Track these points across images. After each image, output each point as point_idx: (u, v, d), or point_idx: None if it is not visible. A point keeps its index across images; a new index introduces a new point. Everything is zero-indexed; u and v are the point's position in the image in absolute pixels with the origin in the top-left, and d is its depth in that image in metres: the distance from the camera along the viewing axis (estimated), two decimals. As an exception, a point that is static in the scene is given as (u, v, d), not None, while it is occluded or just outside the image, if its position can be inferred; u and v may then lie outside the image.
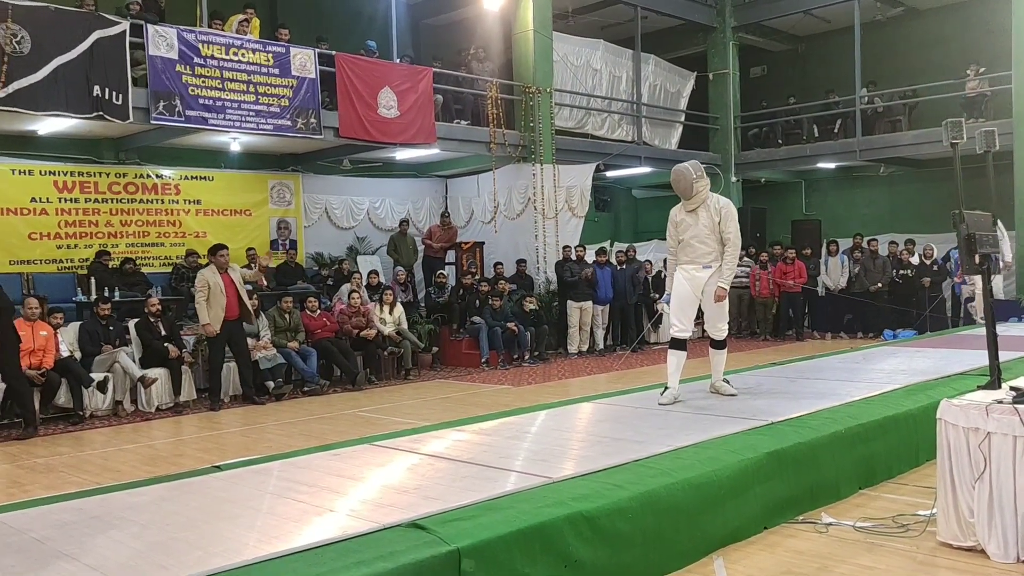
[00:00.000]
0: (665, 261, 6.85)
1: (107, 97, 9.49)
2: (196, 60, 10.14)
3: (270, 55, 10.85)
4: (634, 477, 4.05)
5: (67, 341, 8.93)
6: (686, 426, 5.29)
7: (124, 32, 9.68)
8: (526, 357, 12.56)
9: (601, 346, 13.67)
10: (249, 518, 3.65)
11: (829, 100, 17.27)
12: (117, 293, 10.23)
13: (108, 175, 11.52)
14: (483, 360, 12.06)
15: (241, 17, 11.25)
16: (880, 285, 14.09)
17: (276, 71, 10.86)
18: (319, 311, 10.88)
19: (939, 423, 4.10)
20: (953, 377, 6.72)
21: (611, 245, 15.60)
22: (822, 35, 18.51)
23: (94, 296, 10.00)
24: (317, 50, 11.44)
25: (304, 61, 11.16)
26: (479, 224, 14.81)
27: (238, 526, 3.52)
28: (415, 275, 13.67)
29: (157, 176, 11.95)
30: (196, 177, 12.31)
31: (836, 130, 16.90)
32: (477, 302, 12.52)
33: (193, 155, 12.23)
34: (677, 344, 6.28)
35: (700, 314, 6.46)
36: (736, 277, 6.61)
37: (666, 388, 6.24)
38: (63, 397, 8.55)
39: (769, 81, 19.69)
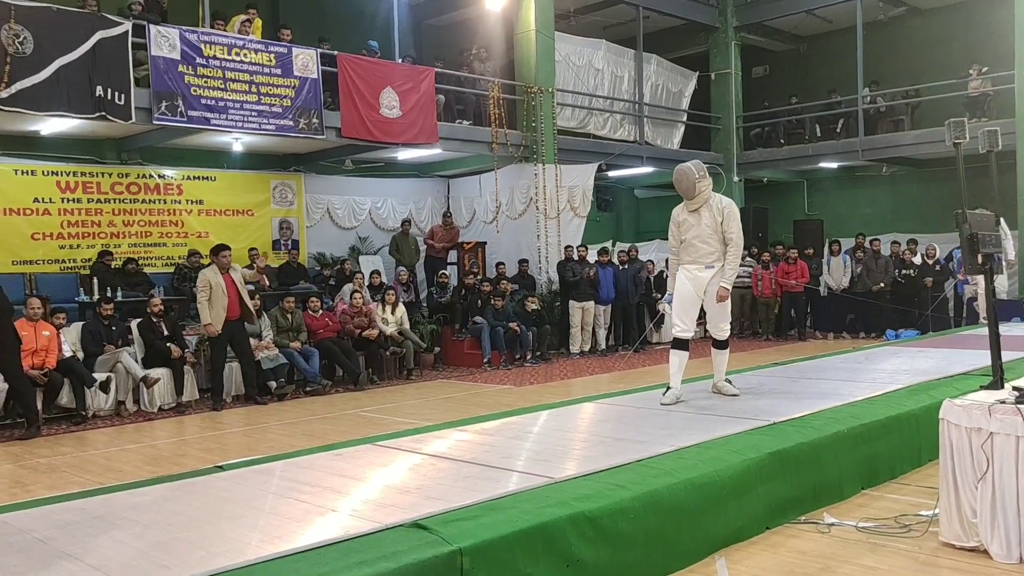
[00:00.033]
0: (667, 261, 6.85)
1: (109, 97, 9.50)
2: (198, 60, 10.15)
3: (272, 55, 10.85)
4: (636, 477, 4.05)
5: (70, 341, 8.94)
6: (688, 426, 5.29)
7: (126, 32, 9.69)
8: (528, 357, 12.56)
9: (603, 346, 13.67)
10: (251, 518, 3.65)
11: (831, 100, 17.25)
12: (119, 293, 10.24)
13: (110, 175, 11.53)
14: (485, 360, 12.06)
15: (243, 17, 11.26)
16: (882, 285, 14.07)
17: (278, 71, 10.87)
18: (321, 311, 10.88)
19: (942, 423, 4.09)
20: (956, 377, 6.71)
21: (613, 245, 15.59)
22: (824, 35, 18.50)
23: (96, 296, 10.02)
24: (319, 50, 11.45)
25: (306, 61, 11.17)
26: (481, 224, 14.81)
27: (240, 526, 3.53)
28: (417, 275, 13.67)
29: (159, 176, 11.96)
30: (198, 177, 12.32)
31: (838, 130, 16.87)
32: (479, 302, 12.52)
33: (195, 155, 12.24)
34: (679, 344, 6.27)
35: (702, 314, 6.45)
36: (738, 277, 6.60)
37: (668, 388, 6.23)
38: (65, 397, 8.56)
39: (771, 81, 19.67)
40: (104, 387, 8.85)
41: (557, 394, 9.11)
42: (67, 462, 6.86)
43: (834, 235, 16.30)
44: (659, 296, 14.03)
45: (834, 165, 17.39)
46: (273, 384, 9.85)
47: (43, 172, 10.96)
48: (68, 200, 11.15)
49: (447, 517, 3.44)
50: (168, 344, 9.39)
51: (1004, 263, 9.97)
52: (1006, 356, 4.75)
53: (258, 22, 11.55)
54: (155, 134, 10.92)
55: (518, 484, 4.00)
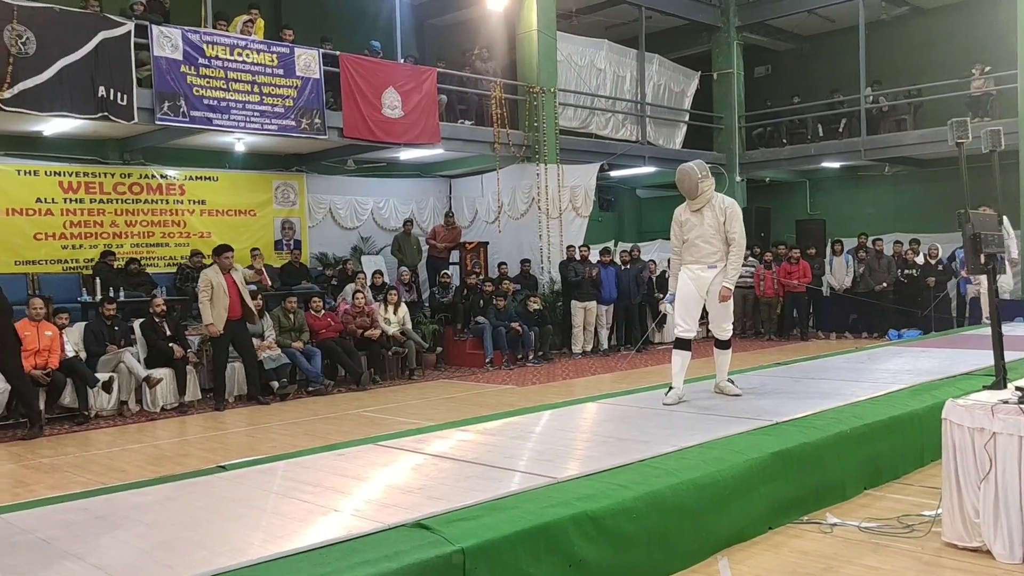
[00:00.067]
0: (669, 261, 6.85)
1: (112, 98, 9.51)
2: (201, 61, 10.16)
3: (274, 55, 10.86)
4: (639, 477, 4.05)
5: (72, 341, 8.96)
6: (691, 426, 5.29)
7: (129, 33, 9.70)
8: (530, 357, 12.56)
9: (605, 346, 13.66)
10: (254, 518, 3.65)
11: (833, 99, 17.24)
12: (122, 293, 10.25)
13: (113, 175, 11.54)
14: (487, 360, 12.06)
15: (245, 18, 11.27)
16: (885, 285, 14.06)
17: (280, 71, 10.88)
18: (323, 311, 10.89)
19: (944, 423, 4.09)
20: (958, 377, 6.71)
21: (615, 245, 15.59)
22: (826, 34, 18.48)
23: (99, 296, 10.03)
24: (321, 50, 11.46)
25: (308, 61, 11.17)
26: (483, 224, 14.81)
27: (243, 526, 3.53)
28: (419, 275, 13.68)
29: (162, 176, 11.97)
30: (200, 177, 12.33)
31: (840, 129, 16.86)
32: (481, 302, 12.52)
33: (197, 155, 12.25)
34: (681, 344, 6.27)
35: (704, 314, 6.45)
36: (740, 277, 6.59)
37: (671, 388, 6.23)
38: (68, 397, 8.57)
39: (773, 80, 19.66)
40: (107, 387, 8.86)
41: (559, 394, 9.11)
42: (70, 462, 6.87)
43: (836, 235, 16.29)
44: (661, 296, 14.02)
45: (836, 165, 17.38)
46: (275, 384, 9.86)
47: (46, 172, 10.97)
48: (71, 200, 11.16)
49: (449, 517, 3.45)
50: (170, 344, 9.40)
51: (1008, 262, 9.95)
52: (1009, 356, 4.74)
53: (260, 22, 11.56)
54: (157, 134, 10.94)
55: (520, 484, 4.00)
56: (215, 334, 9.29)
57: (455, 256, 14.18)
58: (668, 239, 6.62)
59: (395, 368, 11.46)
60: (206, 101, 10.20)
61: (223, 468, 4.69)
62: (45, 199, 10.95)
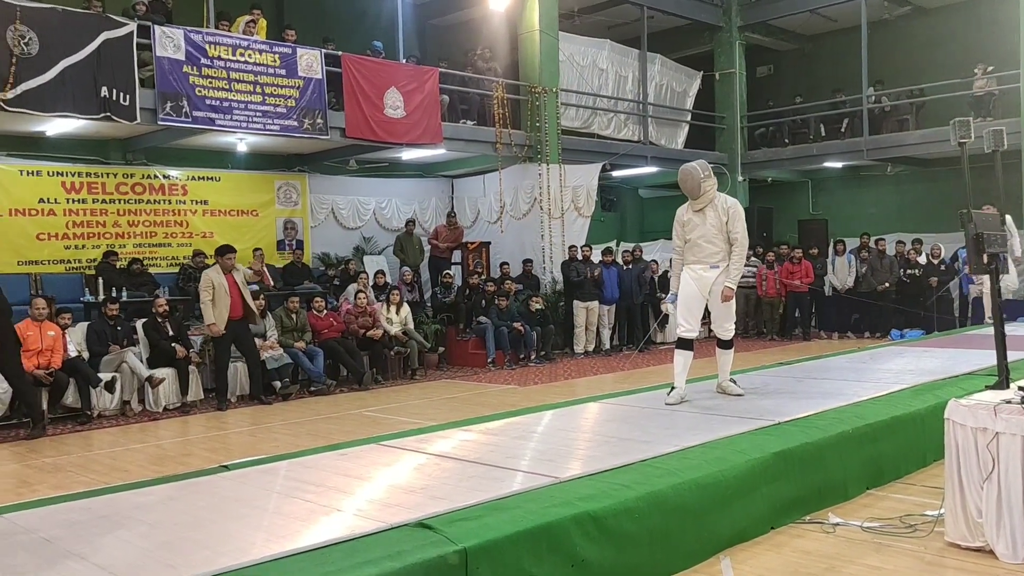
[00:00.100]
0: (671, 261, 6.85)
1: (114, 98, 9.53)
2: (203, 61, 10.17)
3: (276, 56, 10.87)
4: (641, 477, 4.05)
5: (75, 341, 8.97)
6: (693, 426, 5.29)
7: (131, 33, 9.71)
8: (532, 357, 12.56)
9: (607, 346, 13.66)
10: (257, 517, 3.65)
11: (836, 99, 17.22)
12: (125, 293, 10.26)
13: (115, 176, 11.56)
14: (489, 360, 12.06)
15: (248, 18, 11.28)
16: (887, 285, 14.05)
17: (283, 72, 10.88)
18: (326, 311, 10.90)
19: (947, 423, 4.08)
20: (961, 377, 6.70)
21: (617, 245, 15.58)
22: (829, 34, 18.46)
23: (102, 296, 10.04)
24: (323, 51, 11.46)
25: (310, 62, 11.18)
26: (485, 224, 14.81)
27: (246, 525, 3.53)
28: (421, 275, 13.68)
29: (164, 177, 11.98)
30: (203, 178, 12.34)
31: (843, 129, 16.85)
32: (483, 302, 12.52)
33: (200, 156, 12.26)
34: (684, 344, 6.27)
35: (707, 314, 6.45)
36: (743, 277, 6.59)
37: (673, 388, 6.23)
38: (71, 397, 8.59)
39: (775, 80, 19.64)
40: (109, 387, 8.87)
41: (561, 394, 9.11)
42: (72, 462, 6.88)
43: (839, 235, 16.27)
44: (663, 296, 14.00)
45: (839, 165, 17.36)
46: (278, 384, 9.87)
47: (48, 173, 10.99)
48: (73, 200, 11.18)
49: (452, 517, 3.45)
50: (173, 344, 9.41)
51: (1011, 261, 9.92)
52: (1012, 356, 4.74)
53: (262, 23, 11.57)
54: (160, 134, 10.95)
55: (522, 484, 4.00)
56: (217, 334, 9.30)
57: (457, 256, 14.17)
58: (670, 239, 6.61)
59: (397, 368, 11.46)
60: (208, 101, 10.21)
61: (226, 468, 4.70)
62: (48, 199, 10.97)
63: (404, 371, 11.48)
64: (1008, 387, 4.31)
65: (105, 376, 8.86)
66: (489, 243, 14.32)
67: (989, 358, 5.49)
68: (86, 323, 9.50)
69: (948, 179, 15.78)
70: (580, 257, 13.35)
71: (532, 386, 10.36)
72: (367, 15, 14.01)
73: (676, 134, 17.53)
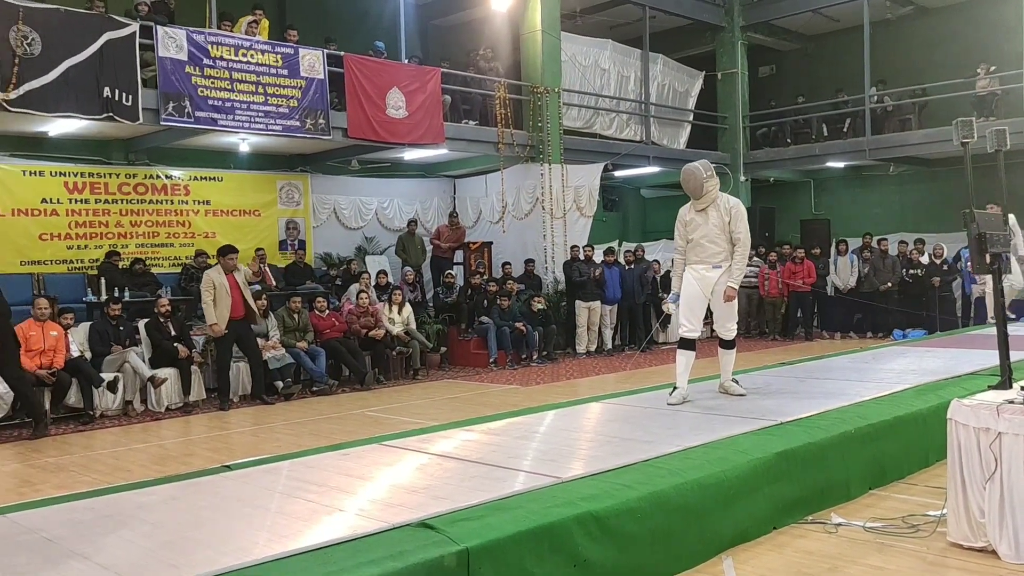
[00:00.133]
0: (673, 260, 6.85)
1: (117, 98, 9.53)
2: (205, 61, 10.17)
3: (279, 56, 10.87)
4: (643, 477, 4.05)
5: (77, 341, 8.98)
6: (695, 426, 5.29)
7: (134, 33, 9.72)
8: (534, 357, 12.56)
9: (609, 346, 13.65)
10: (259, 517, 3.66)
11: (838, 99, 17.21)
12: (127, 293, 10.27)
13: (118, 176, 11.57)
14: (491, 360, 12.06)
15: (250, 18, 11.29)
16: (890, 285, 14.04)
17: (285, 72, 10.89)
18: (328, 311, 10.91)
19: (949, 423, 4.08)
20: (964, 377, 6.69)
21: (619, 245, 15.59)
22: (831, 34, 18.44)
23: (104, 296, 10.06)
24: (325, 51, 11.46)
25: (313, 62, 11.19)
26: (487, 224, 14.81)
27: (248, 525, 3.54)
28: (423, 275, 13.68)
29: (166, 177, 11.99)
30: (205, 178, 12.35)
31: (845, 129, 16.84)
32: (485, 302, 12.52)
33: (202, 156, 12.27)
34: (686, 344, 6.27)
35: (709, 314, 6.44)
36: (745, 277, 6.58)
37: (675, 388, 6.23)
38: (73, 397, 8.59)
39: (778, 80, 19.63)
40: (112, 387, 8.88)
41: (563, 394, 9.11)
42: (75, 461, 6.89)
43: (841, 235, 16.25)
44: (665, 296, 13.98)
45: (841, 165, 17.35)
46: (280, 384, 9.87)
47: (51, 173, 11.01)
48: (76, 201, 11.19)
49: (454, 517, 3.45)
50: (175, 344, 9.42)
51: (1014, 260, 9.89)
52: (1015, 356, 4.74)
53: (265, 23, 11.58)
54: (162, 135, 10.96)
55: (525, 484, 4.00)
56: (218, 334, 9.31)
57: (459, 256, 14.17)
58: (672, 239, 6.61)
59: (399, 368, 11.46)
60: (211, 102, 10.22)
61: (228, 468, 4.70)
62: (50, 199, 10.98)
63: (406, 371, 11.49)
64: (1011, 387, 4.30)
65: (107, 376, 8.87)
66: (491, 243, 14.32)
67: (992, 358, 5.48)
68: (88, 323, 9.51)
69: (950, 179, 15.77)
70: (582, 257, 13.35)
71: (534, 386, 10.36)
72: (369, 15, 14.02)
73: (678, 134, 17.53)
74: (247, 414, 9.10)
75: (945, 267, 13.91)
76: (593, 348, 13.39)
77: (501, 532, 3.29)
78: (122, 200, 11.57)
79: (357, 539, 3.24)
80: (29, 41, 8.91)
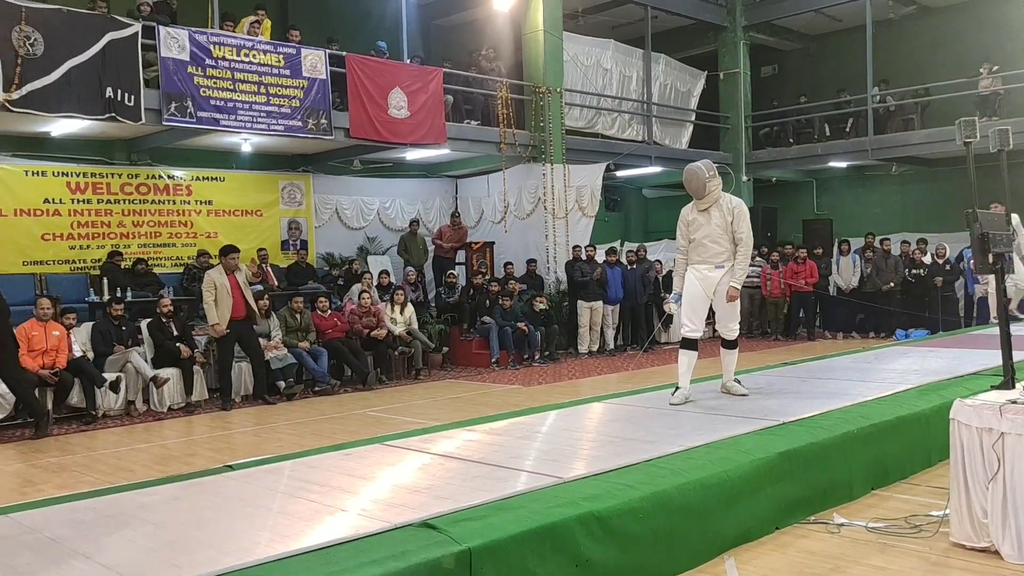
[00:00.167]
0: (675, 260, 6.85)
1: (119, 98, 9.54)
2: (208, 61, 10.18)
3: (281, 56, 10.88)
4: (645, 477, 4.04)
5: (80, 341, 8.99)
6: (697, 426, 5.28)
7: (136, 34, 9.73)
8: (536, 357, 12.55)
9: (611, 346, 13.65)
10: (261, 517, 3.66)
11: (840, 99, 17.19)
12: (129, 293, 10.27)
13: (120, 176, 11.58)
14: (493, 360, 12.06)
15: (252, 18, 11.29)
16: (892, 285, 14.03)
17: (287, 72, 10.90)
18: (330, 311, 10.91)
19: (952, 423, 4.08)
20: (966, 377, 6.68)
21: (621, 245, 15.58)
22: (833, 34, 18.43)
23: (106, 296, 10.06)
24: (328, 51, 11.47)
25: (315, 62, 11.19)
26: (489, 224, 14.81)
27: (250, 525, 3.54)
28: (425, 275, 13.68)
29: (169, 177, 12.00)
30: (207, 178, 12.36)
31: (848, 129, 16.82)
32: (487, 302, 12.52)
33: (204, 156, 12.28)
34: (688, 344, 6.26)
35: (711, 314, 6.44)
36: (747, 277, 6.57)
37: (677, 388, 6.22)
38: (76, 397, 8.60)
39: (780, 80, 19.62)
40: (114, 387, 8.89)
41: (565, 394, 9.10)
42: (77, 461, 6.89)
43: (843, 235, 16.23)
44: (666, 296, 13.97)
45: (843, 164, 17.34)
46: (282, 384, 9.87)
47: (53, 173, 11.02)
48: (78, 201, 11.20)
49: (456, 517, 3.45)
50: (177, 344, 9.42)
51: (1017, 260, 9.87)
52: (1017, 356, 4.72)
53: (267, 23, 11.58)
54: (164, 135, 10.97)
55: (527, 484, 4.00)
56: (220, 334, 9.31)
57: (461, 256, 14.18)
58: (674, 239, 6.60)
59: (401, 368, 11.46)
60: (213, 102, 10.22)
61: (230, 468, 4.70)
62: (53, 199, 10.99)
63: (408, 371, 11.49)
64: (1013, 387, 4.29)
65: (110, 376, 8.88)
66: (493, 243, 14.32)
67: (994, 358, 5.48)
68: (91, 323, 9.51)
69: (953, 179, 15.75)
70: (584, 257, 13.34)
71: (536, 386, 10.35)
72: (371, 15, 14.03)
73: (680, 134, 17.52)
74: (249, 414, 9.10)
75: (948, 267, 13.89)
76: (595, 348, 13.38)
77: (503, 532, 3.29)
78: (124, 200, 11.58)
79: (359, 539, 3.24)
80: (32, 41, 8.92)
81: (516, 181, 14.15)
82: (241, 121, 10.49)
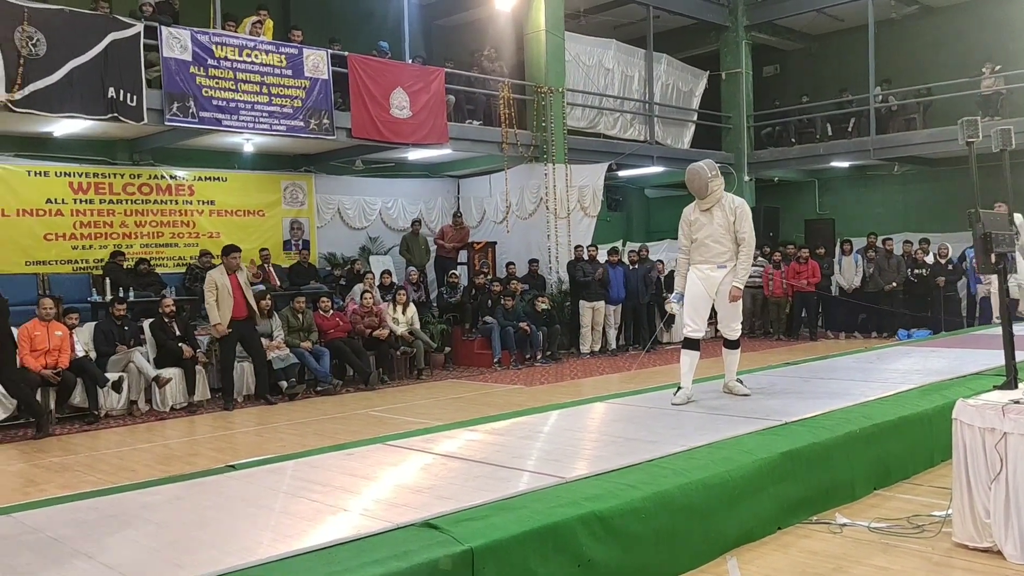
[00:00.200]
0: (677, 260, 6.84)
1: (121, 99, 9.55)
2: (210, 62, 10.19)
3: (283, 56, 10.88)
4: (647, 477, 4.04)
5: (82, 341, 8.99)
6: (700, 426, 5.28)
7: (138, 34, 9.74)
8: (538, 357, 12.55)
9: (613, 346, 13.65)
10: (263, 517, 3.66)
11: (842, 99, 17.18)
12: (132, 293, 10.29)
13: (122, 176, 11.59)
14: (495, 360, 12.06)
15: (254, 19, 11.30)
16: (894, 285, 14.02)
17: (289, 72, 10.90)
18: (332, 311, 10.91)
19: (955, 423, 4.07)
20: (968, 377, 6.68)
21: (623, 245, 15.57)
22: (835, 33, 18.42)
23: (109, 296, 10.08)
24: (330, 51, 11.47)
25: (317, 62, 11.20)
26: (491, 224, 14.81)
27: (252, 525, 3.54)
28: (427, 275, 13.69)
29: (171, 177, 12.01)
30: (209, 178, 12.37)
31: (850, 129, 16.81)
32: (489, 302, 12.53)
33: (206, 156, 12.29)
34: (690, 344, 6.26)
35: (713, 314, 6.44)
36: (749, 276, 6.57)
37: (679, 388, 6.22)
38: (78, 397, 8.61)
39: (782, 80, 19.61)
40: (116, 387, 8.90)
41: (567, 394, 9.10)
42: (79, 461, 6.90)
43: (845, 234, 16.22)
44: (668, 296, 13.96)
45: (845, 164, 17.32)
46: (284, 384, 9.88)
47: (56, 173, 11.03)
48: (80, 201, 11.21)
49: (458, 516, 3.45)
50: (180, 344, 9.43)
51: (1020, 260, 9.85)
52: (1020, 356, 4.71)
53: (269, 23, 11.59)
54: (167, 135, 10.97)
55: (529, 484, 4.00)
56: (222, 334, 9.32)
57: (463, 256, 14.18)
58: (676, 239, 6.60)
59: (403, 368, 11.47)
60: (215, 102, 10.23)
61: (232, 467, 4.71)
62: (55, 200, 11.00)
63: (410, 371, 11.49)
64: (1016, 387, 4.29)
65: (112, 376, 8.89)
66: (495, 243, 14.32)
67: (997, 358, 5.47)
68: (93, 323, 9.52)
69: (955, 179, 15.73)
70: (586, 257, 13.34)
71: (538, 386, 10.35)
72: (373, 16, 14.03)
73: (682, 134, 17.52)
74: (251, 414, 9.11)
75: (950, 267, 13.88)
76: (597, 348, 13.38)
77: (505, 532, 3.29)
78: (127, 200, 11.59)
79: (361, 539, 3.24)
80: (34, 42, 8.93)
81: (518, 181, 14.15)
82: (243, 121, 10.49)
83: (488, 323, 12.29)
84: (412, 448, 4.99)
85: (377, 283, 12.00)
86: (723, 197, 6.13)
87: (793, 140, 17.67)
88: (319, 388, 10.19)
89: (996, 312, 11.07)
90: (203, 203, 12.27)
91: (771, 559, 4.03)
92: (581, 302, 13.17)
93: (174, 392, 9.27)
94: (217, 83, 10.25)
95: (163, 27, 9.92)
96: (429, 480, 4.21)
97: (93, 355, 9.02)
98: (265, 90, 10.66)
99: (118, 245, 11.31)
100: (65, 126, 10.16)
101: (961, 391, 5.42)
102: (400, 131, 12.04)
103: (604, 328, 13.50)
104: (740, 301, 6.22)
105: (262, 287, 10.50)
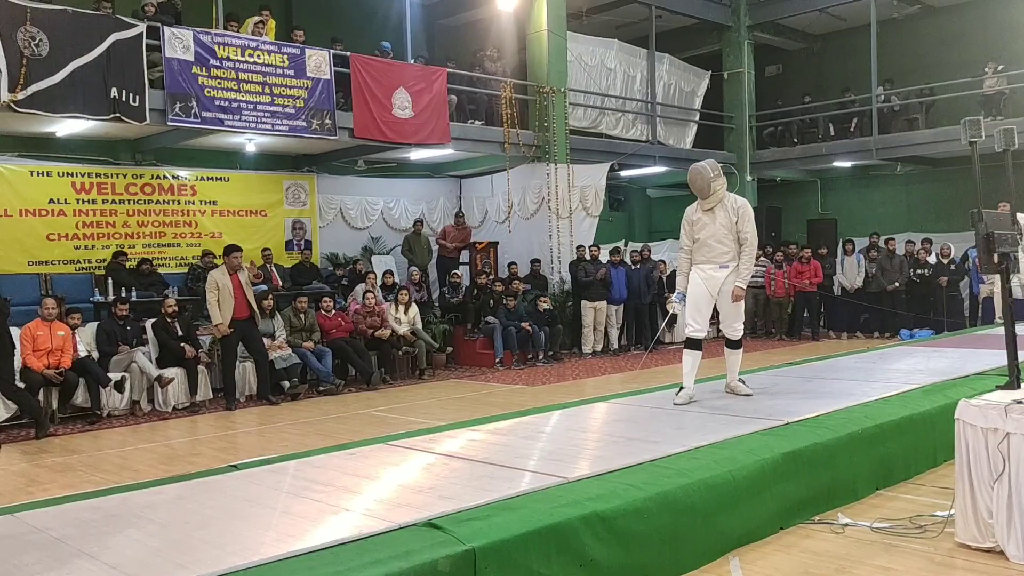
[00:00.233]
0: (679, 260, 6.84)
1: (124, 99, 9.56)
2: (212, 62, 10.20)
3: (285, 56, 10.89)
4: (649, 477, 4.04)
5: (85, 341, 9.01)
6: (702, 426, 5.28)
7: (141, 34, 9.75)
8: (540, 357, 12.55)
9: (615, 346, 13.65)
10: (265, 517, 3.66)
11: (845, 99, 17.16)
12: (134, 293, 10.31)
13: (125, 176, 11.60)
14: (497, 360, 12.07)
15: (257, 19, 11.30)
16: (897, 284, 14.01)
17: (291, 72, 10.91)
18: (334, 311, 10.92)
19: (957, 423, 4.07)
20: (971, 377, 6.67)
21: (625, 245, 15.58)
22: (838, 33, 18.41)
23: (111, 296, 10.09)
24: (332, 51, 11.48)
25: (319, 62, 11.20)
26: (493, 224, 14.82)
27: (254, 525, 3.54)
28: (429, 275, 13.70)
29: (173, 177, 12.02)
30: (212, 178, 12.38)
31: (852, 129, 16.78)
32: (491, 302, 12.53)
33: (209, 156, 12.30)
34: (692, 344, 6.26)
35: (715, 313, 6.43)
36: (751, 276, 6.57)
37: (681, 388, 6.22)
38: (81, 396, 8.62)
39: (784, 80, 19.59)
40: (119, 387, 8.91)
41: (569, 394, 9.10)
42: (82, 461, 6.91)
43: (848, 234, 16.22)
44: (670, 295, 13.96)
45: (848, 164, 17.30)
46: (286, 384, 9.89)
47: (58, 173, 11.04)
48: (83, 201, 11.23)
49: (460, 517, 3.45)
50: (182, 344, 9.44)
51: (1022, 259, 9.84)
52: (1022, 356, 4.71)
53: (271, 23, 11.60)
54: (169, 135, 10.98)
55: (531, 484, 4.00)
56: (224, 334, 9.33)
57: (465, 256, 14.18)
58: (678, 239, 6.59)
59: (405, 368, 11.47)
60: (217, 102, 10.23)
61: (235, 467, 4.71)
62: (58, 200, 11.02)
63: (412, 371, 11.50)
64: (1019, 387, 4.28)
65: (114, 376, 8.90)
66: (497, 243, 14.32)
67: (999, 358, 5.47)
68: (96, 323, 9.54)
69: (958, 178, 15.72)
70: (588, 257, 13.34)
71: (540, 386, 10.35)
72: (375, 16, 14.04)
73: (684, 134, 17.51)
74: (253, 414, 9.11)
75: (952, 267, 13.86)
76: (599, 348, 13.38)
77: (507, 532, 3.29)
78: (129, 200, 11.60)
79: (363, 539, 3.25)
80: (37, 42, 8.94)
81: (520, 181, 14.15)
82: (245, 121, 10.50)
83: (490, 323, 12.29)
84: (414, 448, 4.99)
85: (379, 283, 12.01)
86: (725, 197, 6.13)
87: (795, 140, 17.66)
88: (321, 388, 10.19)
89: (999, 312, 11.06)
90: (205, 203, 12.29)
91: (773, 559, 4.03)
92: (583, 302, 13.17)
93: (176, 392, 9.28)
94: (219, 83, 10.26)
95: (165, 27, 9.93)
96: (431, 480, 4.21)
97: (95, 355, 9.03)
98: (267, 90, 10.66)
99: (120, 245, 11.33)
100: (68, 126, 10.17)
101: (964, 391, 5.42)
102: (402, 131, 12.05)
103: (606, 328, 13.50)
104: (742, 301, 6.22)
105: (264, 287, 10.50)
